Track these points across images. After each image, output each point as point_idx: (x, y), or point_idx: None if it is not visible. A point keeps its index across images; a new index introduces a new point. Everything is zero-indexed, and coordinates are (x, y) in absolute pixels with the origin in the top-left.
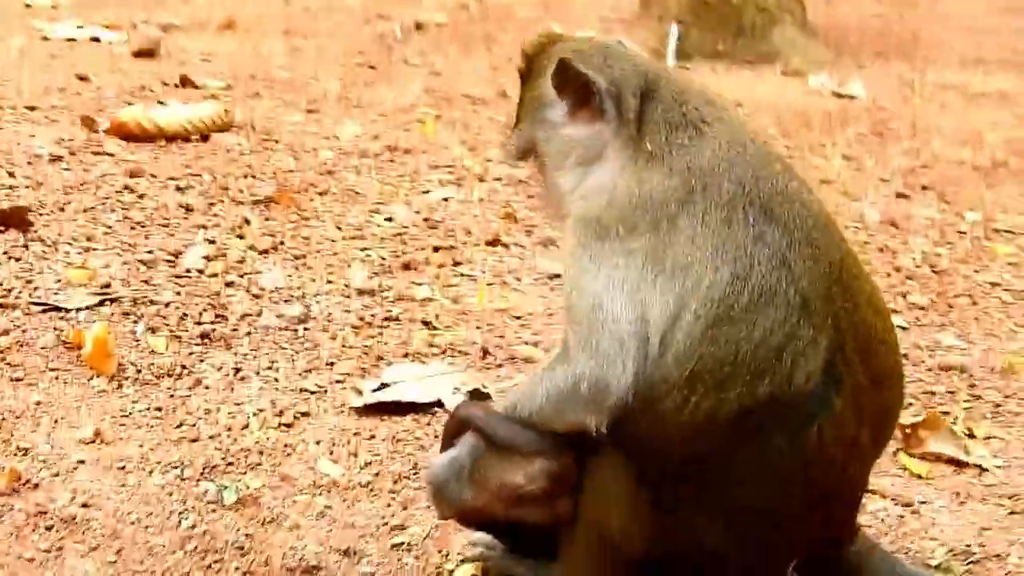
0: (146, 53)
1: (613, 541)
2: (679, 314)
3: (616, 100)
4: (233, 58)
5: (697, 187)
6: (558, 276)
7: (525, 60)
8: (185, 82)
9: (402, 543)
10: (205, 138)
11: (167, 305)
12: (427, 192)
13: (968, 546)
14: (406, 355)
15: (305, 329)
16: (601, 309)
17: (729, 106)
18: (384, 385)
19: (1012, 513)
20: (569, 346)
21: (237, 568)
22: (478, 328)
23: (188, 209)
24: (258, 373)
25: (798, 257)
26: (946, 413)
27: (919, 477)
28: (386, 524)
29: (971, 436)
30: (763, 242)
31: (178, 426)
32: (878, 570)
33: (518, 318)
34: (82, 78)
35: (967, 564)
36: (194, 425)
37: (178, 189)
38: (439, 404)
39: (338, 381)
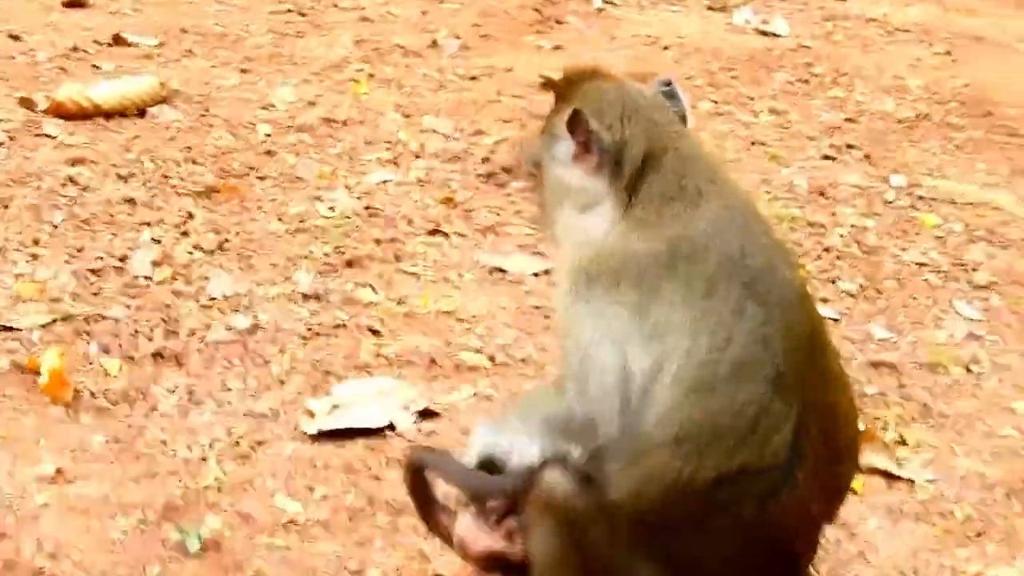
0: (76, 3)
1: None
2: (658, 375)
3: (616, 162)
4: (164, 7)
5: (682, 256)
6: (500, 270)
7: (563, 83)
8: (118, 40)
9: None
10: (142, 113)
11: (118, 321)
12: (366, 174)
13: (902, 574)
14: (355, 368)
15: (255, 342)
16: (590, 357)
17: (730, 181)
18: (335, 407)
19: (946, 532)
20: (565, 379)
21: None
22: (423, 334)
23: (132, 203)
24: (211, 395)
25: (775, 334)
26: (877, 418)
27: (854, 493)
28: (345, 568)
29: (902, 443)
30: (743, 317)
31: (136, 459)
32: None
33: (462, 320)
34: (14, 37)
35: None
36: (152, 457)
37: (120, 178)
38: (391, 427)
39: (290, 402)
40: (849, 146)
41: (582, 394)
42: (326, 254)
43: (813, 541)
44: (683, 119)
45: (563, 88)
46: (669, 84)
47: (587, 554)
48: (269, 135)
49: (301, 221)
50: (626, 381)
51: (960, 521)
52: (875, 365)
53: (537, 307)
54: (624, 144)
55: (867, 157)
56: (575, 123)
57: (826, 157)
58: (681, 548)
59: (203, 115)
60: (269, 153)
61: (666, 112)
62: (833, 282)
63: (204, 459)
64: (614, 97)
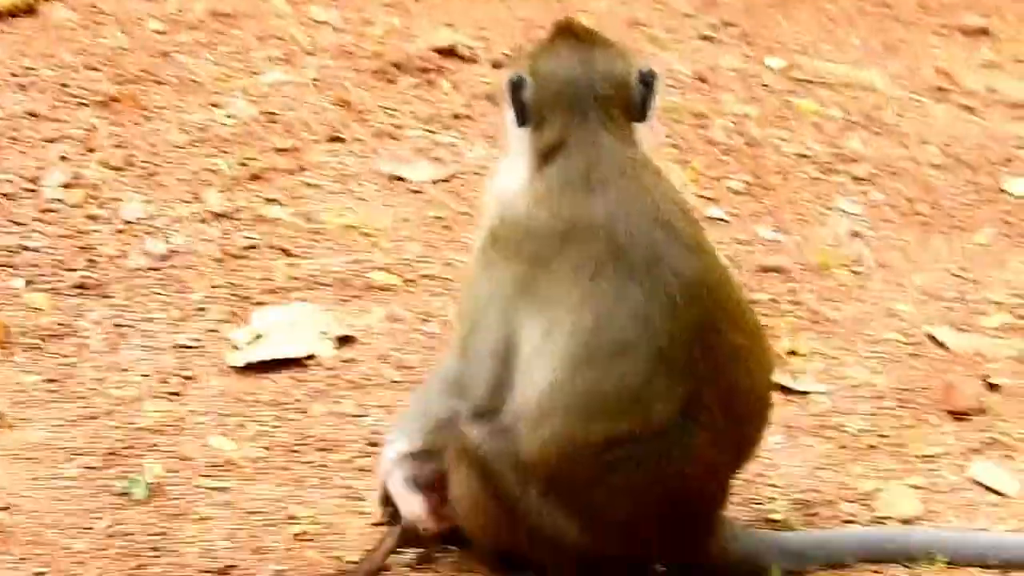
0: None
1: (477, 537)
2: (546, 345)
3: (534, 130)
4: None
5: (574, 239)
6: (399, 178)
7: (556, 27)
8: None
9: (302, 532)
10: (31, 10)
11: (39, 251)
12: (260, 74)
13: (803, 492)
14: (270, 291)
15: (171, 267)
16: (476, 318)
17: (648, 175)
18: (257, 336)
19: (841, 447)
20: (454, 334)
21: (157, 571)
22: (332, 251)
23: (35, 116)
24: (136, 327)
25: (658, 317)
26: (770, 328)
27: None
28: (285, 509)
29: (795, 354)
30: (625, 300)
31: (73, 401)
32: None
33: (367, 235)
34: None
35: (805, 516)
36: (88, 398)
37: (20, 87)
38: (311, 356)
39: (211, 330)
40: (726, 23)
41: (463, 353)
42: (230, 166)
43: (722, 490)
44: (643, 111)
45: (553, 34)
46: (652, 76)
47: (501, 500)
48: (161, 32)
49: (202, 131)
50: (507, 349)
51: (853, 434)
52: (765, 270)
53: (439, 217)
54: (548, 115)
55: (744, 35)
56: (513, 86)
57: (704, 37)
58: (586, 500)
59: (93, 9)
60: (164, 55)
61: (614, 100)
62: (720, 180)
63: (138, 398)
64: (565, 75)
